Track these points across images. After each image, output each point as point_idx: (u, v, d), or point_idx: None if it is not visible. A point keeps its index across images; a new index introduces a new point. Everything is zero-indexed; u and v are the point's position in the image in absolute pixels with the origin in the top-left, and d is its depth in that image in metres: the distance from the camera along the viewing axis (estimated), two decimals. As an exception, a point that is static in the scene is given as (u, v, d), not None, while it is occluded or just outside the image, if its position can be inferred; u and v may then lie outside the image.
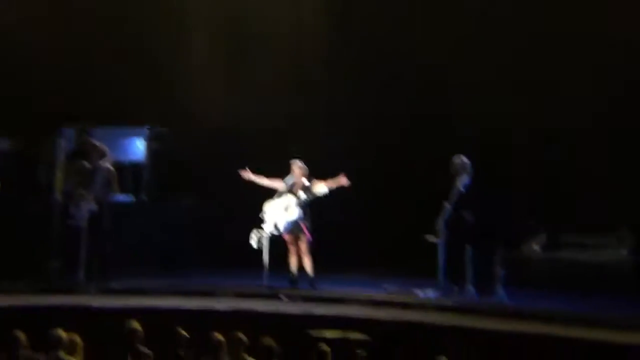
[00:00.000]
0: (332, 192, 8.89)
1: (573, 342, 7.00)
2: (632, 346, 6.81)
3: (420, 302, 8.39)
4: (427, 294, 8.57)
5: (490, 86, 10.39)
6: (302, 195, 8.91)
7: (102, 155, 9.28)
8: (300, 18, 11.46)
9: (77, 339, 6.02)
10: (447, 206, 8.45)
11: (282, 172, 9.16)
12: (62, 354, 5.86)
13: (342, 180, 8.74)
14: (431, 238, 8.57)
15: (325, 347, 6.00)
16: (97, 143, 9.38)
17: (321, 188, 8.81)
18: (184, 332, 6.22)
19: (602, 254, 11.38)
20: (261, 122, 11.02)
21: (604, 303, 8.32)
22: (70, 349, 5.94)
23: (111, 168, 9.30)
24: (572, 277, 10.00)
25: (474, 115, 10.45)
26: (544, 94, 10.53)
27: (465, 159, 8.67)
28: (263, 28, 11.44)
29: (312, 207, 8.98)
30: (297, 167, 9.02)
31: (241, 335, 6.07)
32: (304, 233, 8.92)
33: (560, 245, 11.90)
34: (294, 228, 8.94)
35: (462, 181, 8.52)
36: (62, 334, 5.95)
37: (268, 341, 5.98)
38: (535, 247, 12.12)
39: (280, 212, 8.93)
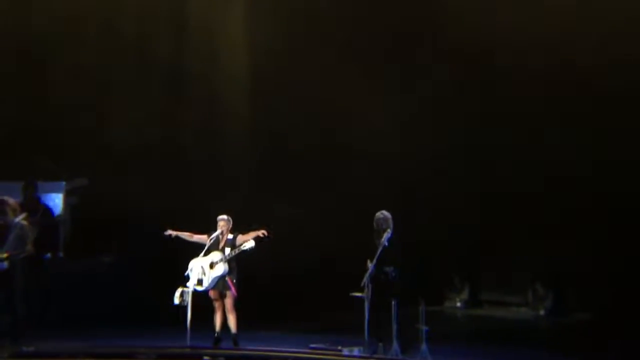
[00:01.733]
0: (260, 249, 8.80)
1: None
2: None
3: (345, 360, 8.29)
4: (352, 351, 8.50)
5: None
6: (228, 250, 8.81)
7: (15, 211, 8.91)
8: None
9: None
10: (372, 262, 8.49)
11: (208, 228, 9.04)
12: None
13: (263, 232, 8.73)
14: (357, 294, 8.55)
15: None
16: (8, 198, 9.01)
17: (247, 243, 8.75)
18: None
19: (521, 312, 11.78)
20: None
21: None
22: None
23: (25, 224, 8.92)
24: (492, 334, 10.23)
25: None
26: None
27: (387, 214, 8.76)
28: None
29: (238, 262, 8.86)
30: (223, 222, 8.94)
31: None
32: (230, 289, 8.78)
33: (482, 302, 12.25)
34: (219, 284, 8.79)
35: (385, 236, 8.61)
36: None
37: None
38: (458, 303, 12.40)
39: (205, 269, 8.78)
